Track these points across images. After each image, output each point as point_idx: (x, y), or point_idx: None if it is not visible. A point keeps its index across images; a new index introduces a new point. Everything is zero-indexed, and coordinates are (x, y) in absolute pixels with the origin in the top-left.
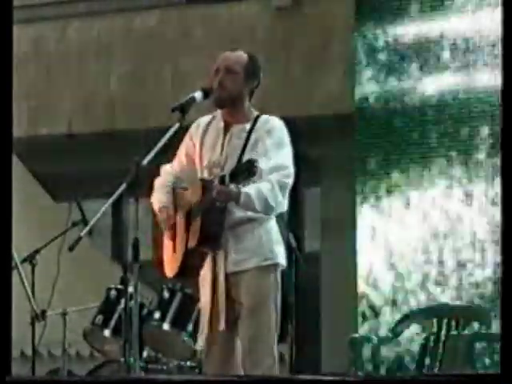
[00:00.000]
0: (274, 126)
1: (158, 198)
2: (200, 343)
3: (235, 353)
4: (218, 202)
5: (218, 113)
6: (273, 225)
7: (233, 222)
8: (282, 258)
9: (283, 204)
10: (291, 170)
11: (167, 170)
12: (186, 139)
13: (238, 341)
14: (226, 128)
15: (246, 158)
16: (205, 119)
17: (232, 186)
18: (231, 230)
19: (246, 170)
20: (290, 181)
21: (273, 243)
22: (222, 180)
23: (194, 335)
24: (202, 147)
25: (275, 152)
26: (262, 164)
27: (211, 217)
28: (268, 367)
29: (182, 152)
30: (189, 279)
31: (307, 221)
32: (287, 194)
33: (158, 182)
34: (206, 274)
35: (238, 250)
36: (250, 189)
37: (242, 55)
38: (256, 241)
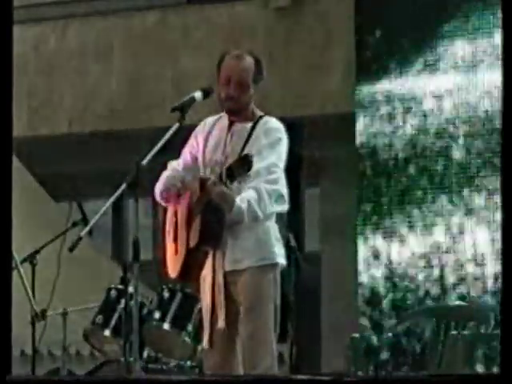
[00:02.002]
0: (272, 127)
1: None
2: (204, 342)
3: (235, 352)
4: (215, 201)
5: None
6: (271, 224)
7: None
8: (280, 258)
9: (275, 208)
10: (279, 173)
11: (174, 167)
12: (191, 138)
13: (239, 340)
14: (230, 126)
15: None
16: (211, 119)
17: (231, 194)
18: (229, 228)
19: (241, 166)
20: (279, 186)
21: (271, 243)
22: (219, 178)
23: (194, 335)
24: (205, 146)
25: (268, 152)
26: (254, 164)
27: (211, 215)
28: (267, 367)
29: (186, 151)
30: (191, 281)
31: (307, 221)
32: (284, 195)
33: (165, 174)
34: (206, 272)
35: (236, 248)
36: (243, 202)
37: (250, 64)
38: (254, 240)
